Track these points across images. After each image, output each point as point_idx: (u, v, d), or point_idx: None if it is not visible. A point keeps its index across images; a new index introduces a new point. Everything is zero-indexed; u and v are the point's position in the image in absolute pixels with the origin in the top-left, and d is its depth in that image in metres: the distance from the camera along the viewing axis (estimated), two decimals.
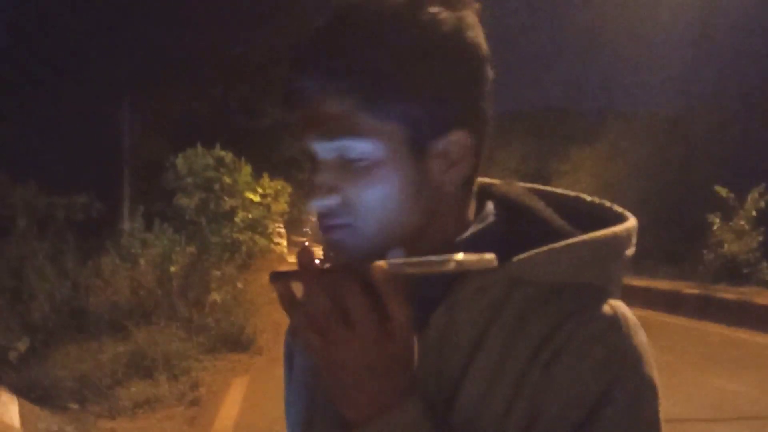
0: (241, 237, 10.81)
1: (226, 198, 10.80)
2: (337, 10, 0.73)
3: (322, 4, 0.75)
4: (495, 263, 0.63)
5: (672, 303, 12.37)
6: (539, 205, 0.82)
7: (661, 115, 20.55)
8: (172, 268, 9.45)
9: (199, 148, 11.25)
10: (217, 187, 10.86)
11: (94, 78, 18.60)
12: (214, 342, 8.87)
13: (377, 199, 0.72)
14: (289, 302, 0.67)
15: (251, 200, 11.12)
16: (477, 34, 0.75)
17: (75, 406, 6.42)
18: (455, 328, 0.73)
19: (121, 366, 7.23)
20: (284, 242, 21.27)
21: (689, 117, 19.56)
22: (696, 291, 12.40)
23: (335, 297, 0.64)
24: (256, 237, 11.21)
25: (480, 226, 0.79)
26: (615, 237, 0.77)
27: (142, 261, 9.49)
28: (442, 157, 0.74)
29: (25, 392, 6.24)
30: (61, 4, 19.69)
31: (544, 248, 0.73)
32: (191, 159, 11.04)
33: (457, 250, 0.63)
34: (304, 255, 0.65)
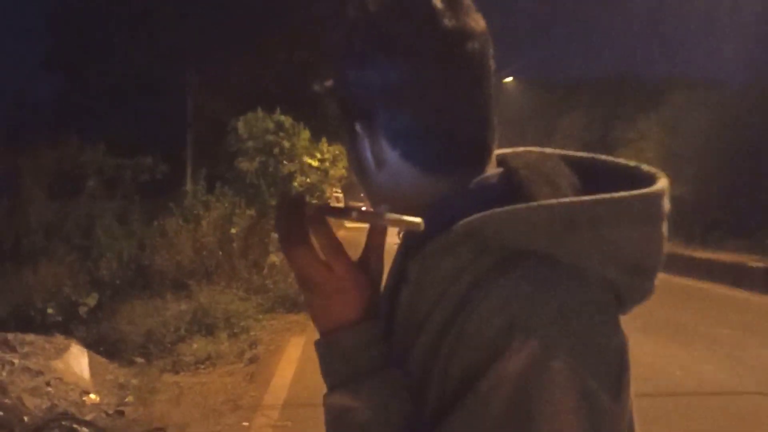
0: None
1: (285, 162, 10.92)
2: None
3: None
4: (421, 227, 0.69)
5: (737, 276, 12.05)
6: (540, 162, 0.82)
7: (730, 85, 19.78)
8: (233, 230, 9.66)
9: (260, 112, 11.34)
10: (276, 151, 10.97)
11: (161, 43, 18.93)
12: (272, 303, 9.09)
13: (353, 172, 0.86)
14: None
15: (309, 165, 11.22)
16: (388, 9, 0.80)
17: (140, 360, 6.69)
18: (425, 283, 0.77)
19: (184, 323, 7.48)
20: (341, 207, 21.39)
21: (759, 87, 18.76)
22: (761, 264, 12.04)
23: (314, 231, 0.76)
24: (314, 201, 11.34)
25: (480, 177, 0.80)
26: (583, 204, 0.71)
27: (204, 222, 9.72)
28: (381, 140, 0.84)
29: (93, 346, 6.54)
30: None
31: (488, 212, 0.72)
32: (252, 123, 11.15)
33: (430, 210, 0.77)
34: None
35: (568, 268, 0.70)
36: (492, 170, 0.81)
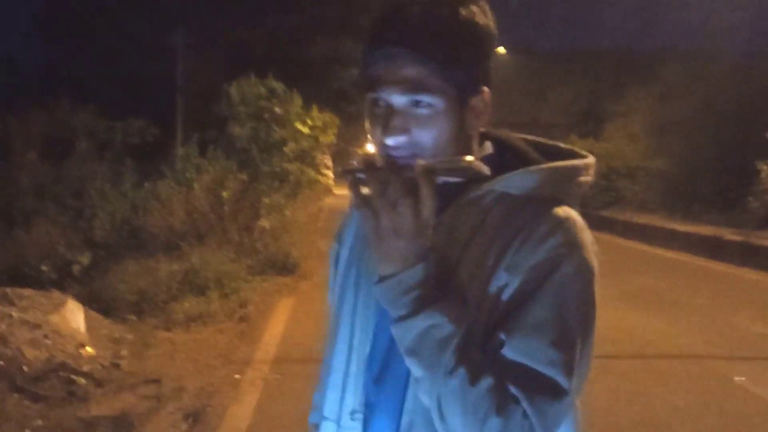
0: (290, 167, 11.05)
1: (276, 128, 11.01)
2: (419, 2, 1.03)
3: None
4: (488, 171, 0.98)
5: (714, 249, 12.36)
6: (521, 144, 1.16)
7: (721, 58, 19.85)
8: (225, 194, 9.78)
9: (252, 78, 11.40)
10: (267, 116, 11.06)
11: (150, 6, 18.82)
12: (262, 265, 9.27)
13: (435, 138, 1.03)
14: (354, 187, 0.97)
15: (301, 131, 11.32)
16: (490, 20, 1.07)
17: (133, 317, 6.86)
18: (458, 226, 1.05)
19: (175, 283, 7.64)
20: (330, 174, 21.42)
21: (749, 62, 18.88)
22: (738, 238, 12.35)
23: (384, 184, 0.94)
24: (305, 167, 11.46)
25: (481, 154, 1.12)
26: (572, 166, 1.10)
27: (196, 186, 9.84)
28: (473, 110, 1.07)
29: (87, 303, 6.66)
30: None
31: (520, 170, 1.07)
32: (244, 88, 11.20)
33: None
34: (368, 157, 0.97)
35: (569, 204, 1.06)
36: (484, 145, 1.15)
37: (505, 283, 1.00)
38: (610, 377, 5.21)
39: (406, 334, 0.97)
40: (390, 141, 1.02)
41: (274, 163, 10.86)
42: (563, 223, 1.02)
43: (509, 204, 1.05)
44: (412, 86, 1.01)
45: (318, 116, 12.20)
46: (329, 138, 12.55)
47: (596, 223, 19.14)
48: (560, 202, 1.05)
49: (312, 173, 11.69)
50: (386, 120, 1.02)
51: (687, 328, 7.02)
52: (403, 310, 0.96)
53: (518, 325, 0.96)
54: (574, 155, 1.13)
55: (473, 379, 0.93)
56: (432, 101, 1.01)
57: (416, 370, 0.97)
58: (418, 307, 0.95)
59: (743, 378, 5.38)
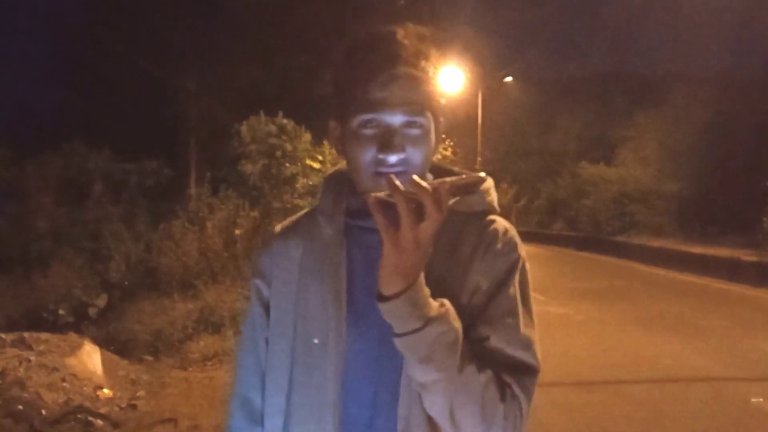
0: (301, 202, 11.12)
1: (287, 164, 11.13)
2: (397, 32, 1.13)
3: None
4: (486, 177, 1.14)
5: (730, 271, 12.27)
6: (450, 168, 1.29)
7: (729, 81, 19.88)
8: (237, 231, 9.87)
9: (262, 116, 11.55)
10: (278, 154, 11.18)
11: (162, 49, 19.16)
12: None
13: (423, 155, 1.13)
14: (376, 207, 0.99)
15: (311, 167, 11.43)
16: None
17: (150, 358, 6.93)
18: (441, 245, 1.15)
19: (191, 322, 7.68)
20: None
21: (757, 84, 18.88)
22: (754, 259, 12.25)
23: (413, 201, 0.98)
24: (316, 203, 11.54)
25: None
26: (490, 187, 1.25)
27: (209, 224, 9.94)
28: (438, 133, 1.18)
29: (104, 345, 6.75)
30: None
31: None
32: (255, 127, 11.34)
33: None
34: (391, 181, 1.01)
35: (497, 214, 1.24)
36: None
37: (478, 285, 1.14)
38: (627, 402, 5.17)
39: (419, 344, 1.02)
40: (392, 158, 1.09)
41: (285, 199, 10.95)
42: (509, 232, 1.20)
43: (457, 220, 1.17)
44: (414, 108, 1.10)
45: (328, 151, 12.32)
46: None
47: (610, 249, 19.08)
48: (494, 212, 1.23)
49: None
50: (386, 139, 1.09)
51: (704, 351, 6.96)
52: (418, 322, 1.01)
53: (496, 318, 1.12)
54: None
55: (479, 373, 1.05)
56: (424, 122, 1.12)
57: (431, 375, 1.04)
58: (430, 319, 1.02)
59: (760, 399, 5.33)
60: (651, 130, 23.42)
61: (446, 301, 1.06)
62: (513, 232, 1.22)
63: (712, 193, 17.76)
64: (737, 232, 15.16)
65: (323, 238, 1.24)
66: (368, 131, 1.10)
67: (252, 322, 1.30)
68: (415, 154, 1.11)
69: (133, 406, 5.39)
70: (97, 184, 12.76)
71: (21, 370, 5.35)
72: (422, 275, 1.02)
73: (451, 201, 1.01)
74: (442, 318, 1.03)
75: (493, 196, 1.25)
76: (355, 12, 21.20)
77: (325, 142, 12.66)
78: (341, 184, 1.27)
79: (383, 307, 1.02)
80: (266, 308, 1.27)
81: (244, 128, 11.20)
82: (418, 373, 1.05)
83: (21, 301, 8.43)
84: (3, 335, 6.08)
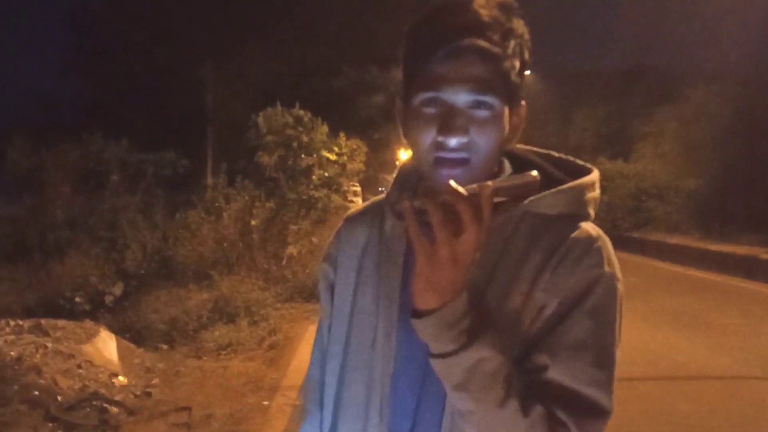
0: (317, 194, 11.16)
1: (303, 156, 11.16)
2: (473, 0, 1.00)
3: None
4: (539, 178, 0.92)
5: (748, 268, 12.14)
6: (538, 160, 1.14)
7: (749, 77, 19.63)
8: (253, 222, 9.90)
9: (279, 108, 11.58)
10: (295, 145, 11.22)
11: (180, 41, 19.24)
12: (291, 292, 9.34)
13: (490, 143, 1.00)
14: (409, 216, 0.86)
15: (327, 158, 11.45)
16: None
17: (165, 346, 6.97)
18: (485, 247, 0.95)
19: (206, 311, 7.74)
20: (359, 200, 21.55)
21: None
22: None
23: (448, 212, 0.85)
24: (332, 194, 11.57)
25: (504, 174, 1.09)
26: (591, 181, 1.08)
27: (225, 215, 9.98)
28: (514, 120, 1.06)
29: (119, 333, 6.81)
30: None
31: (553, 190, 1.05)
32: (271, 118, 11.39)
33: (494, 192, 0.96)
34: (426, 186, 0.96)
35: (591, 219, 1.07)
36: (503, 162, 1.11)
37: (544, 304, 0.98)
38: (642, 399, 5.14)
39: (453, 369, 0.91)
40: (452, 141, 0.97)
41: (301, 190, 10.98)
42: (596, 242, 1.02)
43: (533, 223, 1.03)
44: (481, 86, 0.97)
45: (345, 143, 12.34)
46: (357, 165, 12.67)
47: (626, 245, 18.94)
48: (585, 218, 1.05)
49: (339, 199, 11.79)
50: (448, 119, 0.97)
51: (720, 348, 6.89)
52: (451, 345, 0.89)
53: (560, 347, 0.95)
54: (581, 167, 1.12)
55: (525, 410, 0.90)
56: (494, 103, 0.98)
57: (465, 405, 0.93)
58: (466, 341, 0.89)
59: None
60: (670, 126, 23.20)
61: (494, 323, 0.93)
62: (602, 242, 1.02)
63: (730, 190, 17.56)
64: (755, 230, 14.98)
65: (385, 229, 1.14)
66: (429, 110, 0.99)
67: (322, 307, 1.23)
68: (482, 139, 0.98)
69: (148, 394, 5.42)
70: (115, 174, 12.82)
71: (37, 356, 5.40)
72: (464, 292, 0.88)
73: (497, 200, 0.87)
74: (482, 342, 0.89)
75: (591, 196, 1.07)
76: (373, 5, 21.19)
77: (341, 134, 12.68)
78: (411, 173, 1.15)
79: (415, 324, 0.91)
80: (332, 294, 1.19)
81: (260, 119, 11.25)
82: (453, 398, 0.95)
83: (38, 289, 8.50)
84: (20, 322, 6.15)
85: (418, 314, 0.90)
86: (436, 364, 0.92)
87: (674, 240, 16.74)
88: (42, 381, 5.08)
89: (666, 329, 7.56)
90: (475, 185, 0.85)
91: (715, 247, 14.40)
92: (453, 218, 0.84)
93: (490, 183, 0.86)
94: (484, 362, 0.89)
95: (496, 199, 0.87)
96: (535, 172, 0.91)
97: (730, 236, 15.52)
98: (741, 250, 13.37)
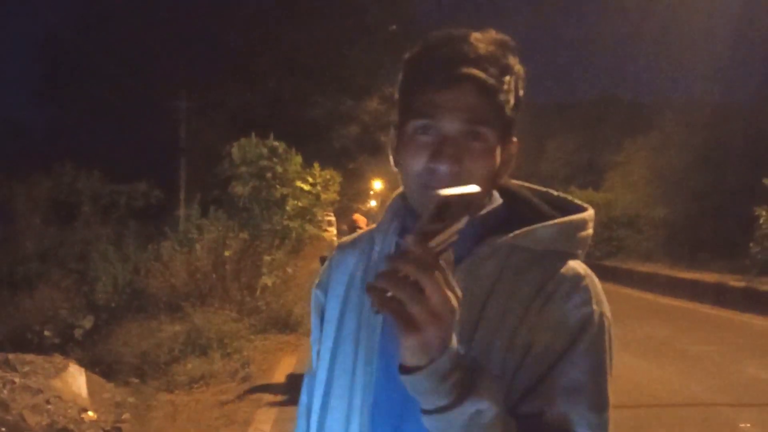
0: (291, 224, 11.14)
1: (277, 186, 11.15)
2: (471, 34, 0.99)
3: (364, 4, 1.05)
4: (478, 188, 0.87)
5: (718, 296, 12.33)
6: (529, 195, 1.12)
7: (717, 107, 20.11)
8: (226, 253, 9.84)
9: (254, 138, 11.59)
10: (269, 175, 11.21)
11: (153, 71, 19.22)
12: (265, 323, 9.26)
13: (483, 174, 0.97)
14: (372, 290, 0.80)
15: (301, 189, 11.46)
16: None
17: (136, 380, 6.85)
18: (471, 285, 0.98)
19: (178, 344, 7.63)
20: (333, 230, 21.41)
21: (744, 108, 19.12)
22: (742, 284, 12.32)
23: (397, 266, 0.79)
24: (306, 224, 11.56)
25: (493, 206, 1.07)
26: (581, 220, 1.07)
27: (198, 246, 9.91)
28: (505, 155, 1.03)
29: (90, 366, 6.69)
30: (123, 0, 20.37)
31: (540, 225, 1.03)
32: (245, 148, 11.38)
33: (481, 222, 1.01)
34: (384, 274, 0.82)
35: (580, 257, 1.05)
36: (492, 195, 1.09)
37: (528, 343, 0.95)
38: (615, 426, 5.14)
39: (448, 426, 0.85)
40: (443, 167, 0.94)
41: (275, 220, 10.95)
42: (584, 280, 1.00)
43: (521, 258, 1.02)
44: (476, 116, 0.96)
45: (319, 173, 12.37)
46: (331, 195, 12.69)
47: (598, 273, 18.73)
48: (573, 256, 1.04)
49: (313, 229, 11.77)
50: (441, 147, 0.95)
51: (693, 375, 6.96)
52: (445, 399, 0.83)
53: (555, 391, 0.93)
54: (575, 206, 1.12)
55: None
56: (488, 135, 0.97)
57: None
58: (461, 395, 0.83)
59: (748, 425, 5.33)
60: (639, 155, 23.59)
61: (488, 370, 0.89)
62: (590, 280, 1.01)
63: (700, 218, 17.87)
64: (725, 258, 15.23)
65: (373, 256, 1.13)
66: (423, 138, 0.97)
67: (312, 332, 1.22)
68: (474, 170, 0.96)
69: (118, 429, 5.33)
70: (86, 205, 12.71)
71: (5, 391, 5.28)
72: (454, 342, 0.83)
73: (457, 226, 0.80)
74: (478, 393, 0.84)
75: (582, 235, 1.07)
76: (348, 36, 21.39)
77: (316, 164, 12.71)
78: (402, 203, 1.12)
79: (405, 380, 0.84)
80: (322, 319, 1.18)
81: (234, 150, 11.23)
82: None
83: (6, 322, 8.35)
84: None
85: (406, 370, 0.84)
86: (427, 421, 0.86)
87: (645, 268, 16.95)
88: (9, 417, 4.97)
89: (639, 356, 7.63)
90: (409, 237, 0.79)
91: (685, 274, 14.61)
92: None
93: (439, 191, 0.80)
94: (480, 415, 0.84)
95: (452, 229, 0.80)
96: (475, 186, 0.86)
97: (700, 264, 15.76)
98: (710, 277, 13.57)
